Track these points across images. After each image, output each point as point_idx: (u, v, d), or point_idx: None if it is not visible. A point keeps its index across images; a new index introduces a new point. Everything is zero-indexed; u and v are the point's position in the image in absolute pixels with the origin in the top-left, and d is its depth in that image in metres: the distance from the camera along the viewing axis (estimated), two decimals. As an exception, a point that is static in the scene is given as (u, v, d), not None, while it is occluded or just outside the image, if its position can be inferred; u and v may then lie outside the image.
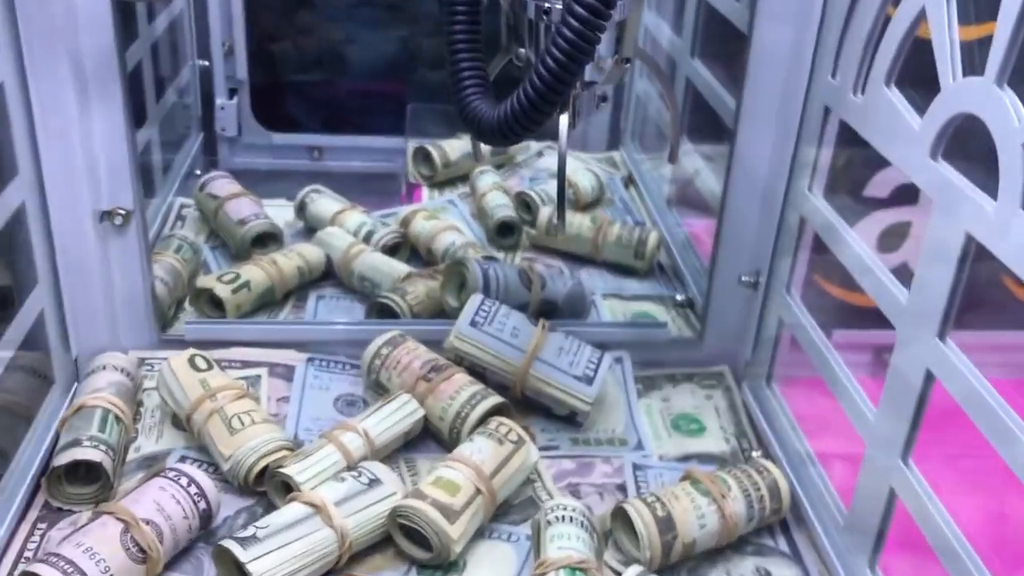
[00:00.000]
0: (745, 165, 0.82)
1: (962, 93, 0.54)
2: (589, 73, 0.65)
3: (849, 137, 0.73)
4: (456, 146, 1.24)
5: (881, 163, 0.85)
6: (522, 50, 0.67)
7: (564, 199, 0.71)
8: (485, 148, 1.26)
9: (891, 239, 0.86)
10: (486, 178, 1.17)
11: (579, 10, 0.56)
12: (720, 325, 0.90)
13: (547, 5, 0.63)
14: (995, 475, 0.59)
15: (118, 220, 0.79)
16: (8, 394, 0.69)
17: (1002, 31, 0.49)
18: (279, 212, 1.10)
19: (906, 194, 0.87)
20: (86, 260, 0.79)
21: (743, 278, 0.85)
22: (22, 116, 0.70)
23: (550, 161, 1.31)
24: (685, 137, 1.12)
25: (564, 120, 0.65)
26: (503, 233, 1.10)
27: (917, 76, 0.61)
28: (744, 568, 0.70)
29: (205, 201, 1.07)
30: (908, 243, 0.86)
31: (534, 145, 1.33)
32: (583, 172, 1.20)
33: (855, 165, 0.82)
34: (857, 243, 0.67)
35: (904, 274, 0.87)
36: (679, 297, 1.01)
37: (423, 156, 1.24)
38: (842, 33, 0.68)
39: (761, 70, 0.77)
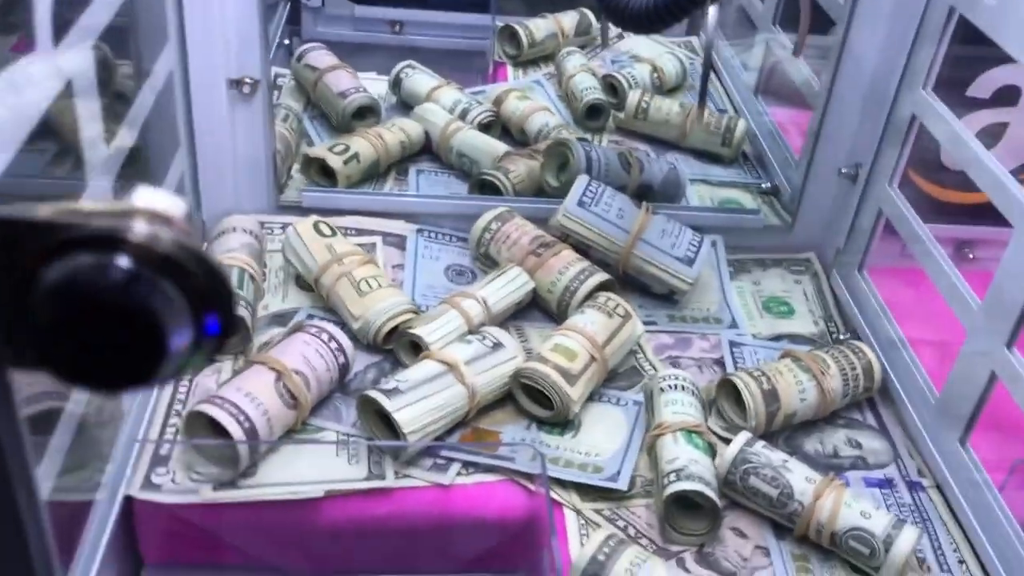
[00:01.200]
0: (855, 59, 0.84)
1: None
2: None
3: (963, 36, 0.75)
4: (541, 25, 1.25)
5: (987, 64, 0.87)
6: None
7: (706, 88, 0.74)
8: (568, 27, 1.27)
9: (989, 139, 0.89)
10: (573, 59, 1.18)
11: None
12: (811, 214, 0.94)
13: None
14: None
15: (246, 89, 0.82)
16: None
17: None
18: (372, 85, 1.12)
19: (1007, 95, 0.89)
20: (218, 126, 0.83)
21: (843, 170, 0.88)
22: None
23: (630, 43, 1.31)
24: (777, 26, 1.13)
25: (713, 9, 0.67)
26: (591, 116, 1.12)
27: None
28: (837, 438, 0.76)
29: (303, 72, 1.10)
30: (1003, 143, 0.89)
31: (613, 27, 1.33)
32: (667, 56, 1.22)
33: (963, 65, 0.84)
34: (977, 145, 0.70)
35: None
36: (764, 185, 1.04)
37: (509, 35, 1.25)
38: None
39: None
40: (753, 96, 1.16)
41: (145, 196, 0.30)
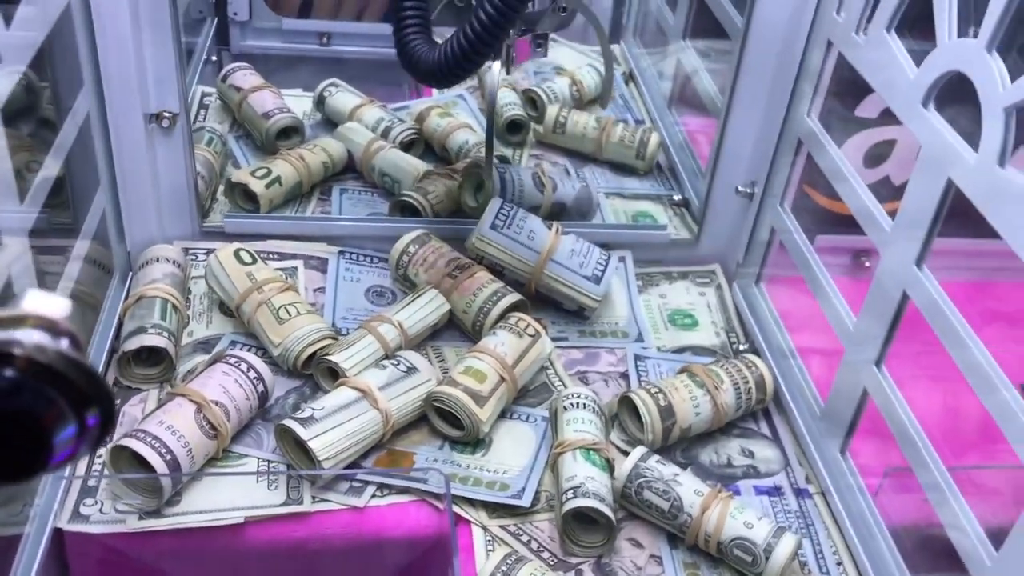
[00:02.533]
0: (749, 82, 0.88)
1: (956, 52, 0.61)
2: (527, 21, 0.72)
3: (845, 63, 0.80)
4: (464, 39, 1.28)
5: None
6: None
7: (492, 149, 0.79)
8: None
9: (877, 155, 0.94)
10: (494, 74, 1.22)
11: None
12: (715, 228, 0.99)
13: None
14: (950, 370, 0.69)
15: (165, 123, 0.85)
16: (80, 285, 0.77)
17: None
18: (297, 103, 1.15)
19: (893, 114, 0.94)
20: (138, 160, 0.85)
21: (740, 188, 0.93)
22: (84, 31, 0.75)
23: (554, 54, 1.35)
24: (686, 41, 1.18)
25: (496, 67, 0.72)
26: (512, 130, 1.16)
27: (916, 23, 0.68)
28: (731, 448, 0.81)
29: (228, 92, 1.12)
30: (891, 160, 0.94)
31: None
32: (586, 69, 1.26)
33: (849, 88, 0.89)
34: (853, 177, 0.75)
35: (886, 187, 0.96)
36: (676, 197, 1.09)
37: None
38: (849, -28, 0.74)
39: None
40: (667, 108, 1.21)
41: (33, 300, 0.33)
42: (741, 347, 0.91)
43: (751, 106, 0.90)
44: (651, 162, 1.13)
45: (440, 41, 0.75)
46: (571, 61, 1.33)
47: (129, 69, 0.80)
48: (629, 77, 1.33)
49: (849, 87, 0.89)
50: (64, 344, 0.32)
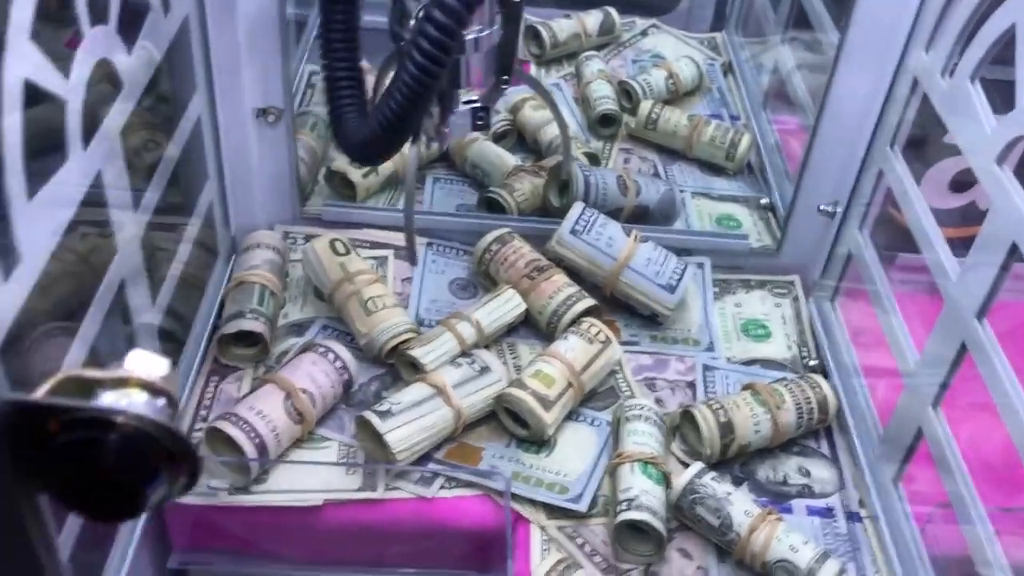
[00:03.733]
0: (836, 106, 0.88)
1: (1033, 114, 0.61)
2: (465, 95, 0.70)
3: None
4: (565, 26, 1.30)
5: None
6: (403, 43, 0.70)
7: (412, 224, 0.77)
8: (591, 27, 1.32)
9: (963, 181, 0.94)
10: (592, 65, 1.24)
11: (422, 46, 0.59)
12: (798, 239, 0.99)
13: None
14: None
15: (271, 118, 0.91)
16: (189, 267, 0.83)
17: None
18: (399, 86, 1.19)
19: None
20: (244, 151, 0.91)
21: (822, 207, 0.94)
22: (200, 42, 0.80)
23: (654, 40, 1.36)
24: (785, 38, 1.17)
25: (412, 152, 0.73)
26: (604, 123, 1.18)
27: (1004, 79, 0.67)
28: (788, 466, 0.84)
29: (334, 75, 1.17)
30: (976, 188, 0.93)
31: (639, 23, 1.38)
32: (684, 61, 1.26)
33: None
34: (920, 205, 0.75)
35: (970, 212, 0.95)
36: (763, 201, 1.10)
37: (533, 34, 1.30)
38: (942, 11, 0.74)
39: (862, 27, 0.83)
40: (762, 106, 1.21)
41: (136, 360, 0.39)
42: (811, 362, 0.92)
43: (840, 124, 0.90)
44: (741, 163, 1.14)
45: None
46: (672, 50, 1.33)
47: (238, 69, 0.86)
48: (728, 68, 1.33)
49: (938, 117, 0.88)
50: (161, 404, 0.38)
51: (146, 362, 0.40)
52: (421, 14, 0.61)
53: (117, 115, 0.62)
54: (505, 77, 0.71)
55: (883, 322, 0.81)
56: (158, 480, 0.37)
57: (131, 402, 0.37)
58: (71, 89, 0.53)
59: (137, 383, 0.38)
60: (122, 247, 0.67)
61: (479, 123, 0.73)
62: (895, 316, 0.79)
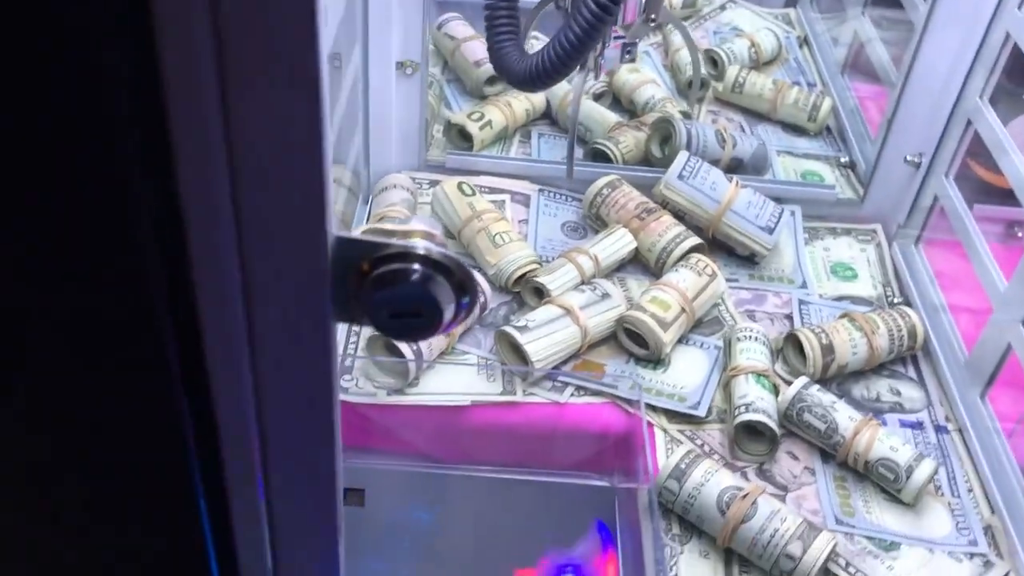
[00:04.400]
0: (926, 62, 0.97)
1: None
2: (617, 31, 0.81)
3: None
4: (652, -2, 1.39)
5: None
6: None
7: (574, 146, 0.88)
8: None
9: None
10: (679, 34, 1.32)
11: None
12: (880, 191, 1.08)
13: None
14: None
15: (408, 71, 1.00)
16: (338, 206, 0.93)
17: None
18: (500, 52, 1.29)
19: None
20: (386, 101, 1.01)
21: (908, 157, 1.02)
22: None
23: (732, 14, 1.45)
24: (865, 10, 1.25)
25: (580, 79, 0.83)
26: (693, 85, 1.27)
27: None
28: (880, 386, 0.92)
29: (443, 40, 1.27)
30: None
31: (718, -1, 1.47)
32: (765, 32, 1.35)
33: (1016, 73, 0.96)
34: (1013, 150, 0.84)
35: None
36: (843, 159, 1.18)
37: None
38: (1035, -29, 0.82)
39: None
40: (840, 74, 1.29)
41: (416, 222, 0.49)
42: (896, 300, 1.01)
43: (927, 81, 0.98)
44: (822, 125, 1.22)
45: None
46: (750, 23, 1.42)
47: (388, 23, 0.95)
48: (804, 41, 1.41)
49: (1019, 70, 0.97)
50: (447, 251, 0.47)
51: (424, 222, 0.49)
52: None
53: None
54: (653, 16, 0.81)
55: (972, 257, 0.89)
56: (450, 305, 0.46)
57: (424, 244, 0.47)
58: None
59: (421, 234, 0.48)
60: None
61: (627, 56, 0.82)
62: (984, 250, 0.88)
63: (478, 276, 0.92)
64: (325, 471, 0.54)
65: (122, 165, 0.37)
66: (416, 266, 0.47)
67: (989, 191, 1.07)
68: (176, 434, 0.47)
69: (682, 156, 1.03)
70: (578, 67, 0.81)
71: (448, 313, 0.47)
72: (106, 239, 0.39)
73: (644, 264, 1.02)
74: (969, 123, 0.92)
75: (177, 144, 0.37)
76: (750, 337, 0.90)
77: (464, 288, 0.48)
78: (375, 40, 0.95)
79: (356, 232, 0.47)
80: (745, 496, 0.74)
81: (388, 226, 0.49)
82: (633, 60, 0.86)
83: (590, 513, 0.92)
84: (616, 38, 0.84)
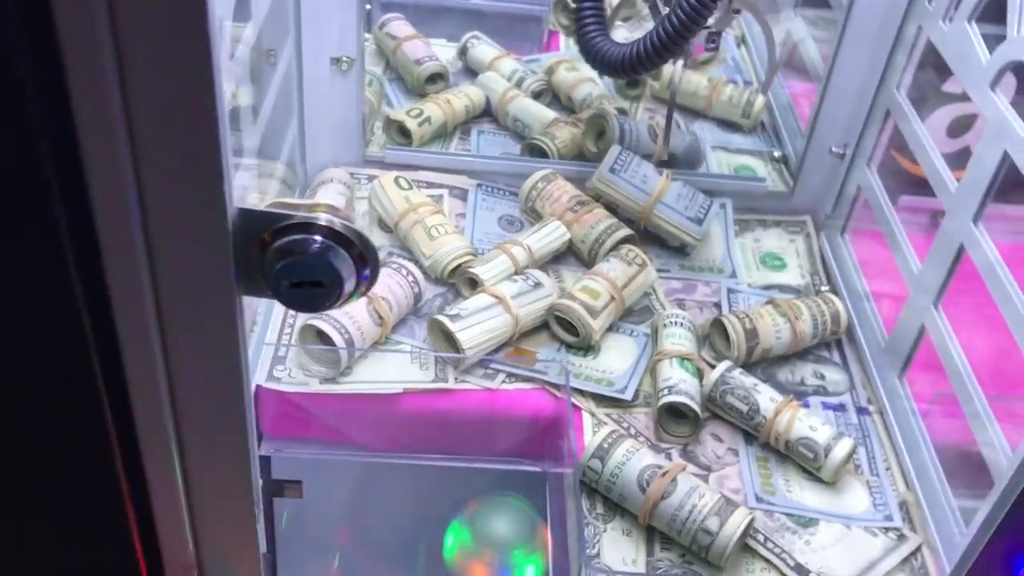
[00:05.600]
0: (848, 56, 1.00)
1: (1021, 44, 0.72)
2: None
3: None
4: (592, -1, 1.42)
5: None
6: None
7: (671, 127, 0.91)
8: None
9: (959, 127, 1.05)
10: (617, 35, 1.35)
11: None
12: (809, 183, 1.11)
13: None
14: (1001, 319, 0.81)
15: (344, 66, 1.02)
16: (272, 199, 0.94)
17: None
18: (441, 52, 1.31)
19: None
20: (321, 96, 1.02)
21: (833, 149, 1.05)
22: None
23: (672, 16, 1.48)
24: (796, 10, 1.29)
25: (679, 67, 0.85)
26: (630, 85, 1.29)
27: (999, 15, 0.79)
28: (805, 370, 0.95)
29: (384, 39, 1.28)
30: (972, 132, 1.05)
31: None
32: (702, 32, 1.37)
33: (939, 66, 1.00)
34: (927, 141, 0.87)
35: (964, 156, 1.07)
36: (776, 153, 1.21)
37: (563, 6, 1.41)
38: (943, -33, 0.85)
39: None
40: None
41: (322, 194, 0.50)
42: (823, 288, 1.04)
43: (849, 75, 1.01)
44: (755, 121, 1.25)
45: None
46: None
47: (322, 19, 0.97)
48: (741, 41, 1.44)
49: (939, 65, 1.00)
50: (349, 223, 0.49)
51: (329, 197, 0.51)
52: None
53: (247, 41, 0.73)
54: (736, 6, 0.88)
55: (891, 244, 0.92)
56: (350, 276, 0.48)
57: (327, 216, 0.48)
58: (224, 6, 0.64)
59: (325, 208, 0.49)
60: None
61: (712, 46, 0.89)
62: (900, 234, 0.91)
63: (412, 267, 0.94)
64: (240, 442, 0.55)
65: (27, 136, 0.38)
66: (317, 237, 0.48)
67: (915, 182, 1.11)
68: (92, 405, 0.48)
69: (614, 150, 1.05)
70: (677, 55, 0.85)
71: (348, 283, 0.49)
72: (14, 212, 0.40)
73: (578, 255, 1.04)
74: (888, 115, 0.96)
75: (80, 121, 0.38)
76: (676, 323, 0.92)
77: (365, 259, 0.49)
78: (308, 36, 0.96)
79: (260, 205, 0.49)
80: (665, 473, 0.76)
81: (293, 200, 0.51)
82: (717, 49, 0.90)
83: (521, 497, 0.94)
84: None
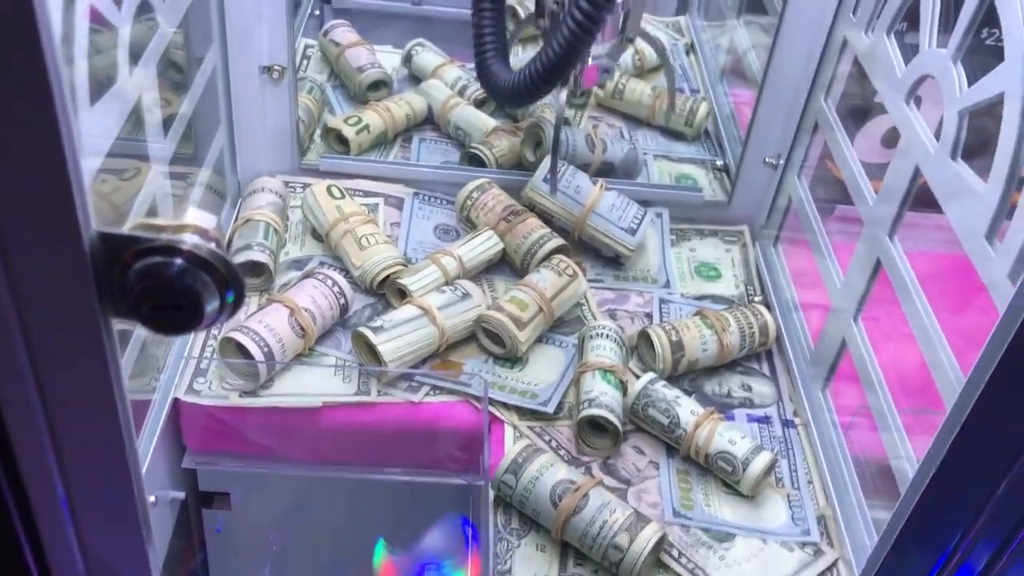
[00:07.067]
0: (779, 68, 1.00)
1: (930, 58, 0.72)
2: (594, 51, 0.83)
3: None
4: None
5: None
6: (541, 21, 0.83)
7: (557, 160, 0.89)
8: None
9: (893, 138, 1.05)
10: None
11: (582, 7, 0.70)
12: (746, 193, 1.11)
13: None
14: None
15: (275, 75, 1.01)
16: (200, 207, 0.93)
17: (963, 17, 0.68)
18: (387, 59, 1.30)
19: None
20: (251, 105, 1.01)
21: (767, 159, 1.05)
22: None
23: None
24: (740, 19, 1.29)
25: (562, 96, 0.83)
26: (576, 94, 1.29)
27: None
28: (732, 382, 0.95)
29: (328, 46, 1.28)
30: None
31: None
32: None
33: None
34: (848, 151, 0.87)
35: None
36: (718, 163, 1.21)
37: (511, 12, 1.41)
38: (865, -20, 0.85)
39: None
40: (719, 80, 1.32)
41: (191, 215, 0.49)
42: (756, 299, 1.03)
43: (782, 84, 1.01)
44: (699, 129, 1.25)
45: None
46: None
47: (250, 28, 0.96)
48: (690, 48, 1.44)
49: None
50: (213, 246, 0.48)
51: (200, 215, 0.50)
52: None
53: (156, 46, 0.72)
54: (629, 36, 0.82)
55: (815, 255, 0.92)
56: (212, 298, 0.47)
57: (192, 239, 0.48)
58: (122, 18, 0.64)
59: (193, 228, 0.49)
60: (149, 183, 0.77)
61: (605, 75, 0.84)
62: (825, 245, 0.91)
63: (339, 278, 0.93)
64: (119, 464, 0.54)
65: None
66: (177, 260, 0.47)
67: (847, 192, 1.11)
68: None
69: (546, 162, 1.05)
70: (559, 84, 0.82)
71: (211, 306, 0.48)
72: None
73: (511, 266, 1.04)
74: (816, 125, 0.95)
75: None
76: (602, 335, 0.92)
77: (228, 283, 0.48)
78: (235, 44, 0.96)
79: (123, 228, 0.48)
80: (577, 489, 0.76)
81: (160, 221, 0.50)
82: (610, 78, 0.89)
83: (448, 511, 0.94)
84: (593, 58, 0.84)
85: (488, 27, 0.84)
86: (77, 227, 0.44)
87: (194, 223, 0.49)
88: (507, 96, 0.81)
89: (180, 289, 0.46)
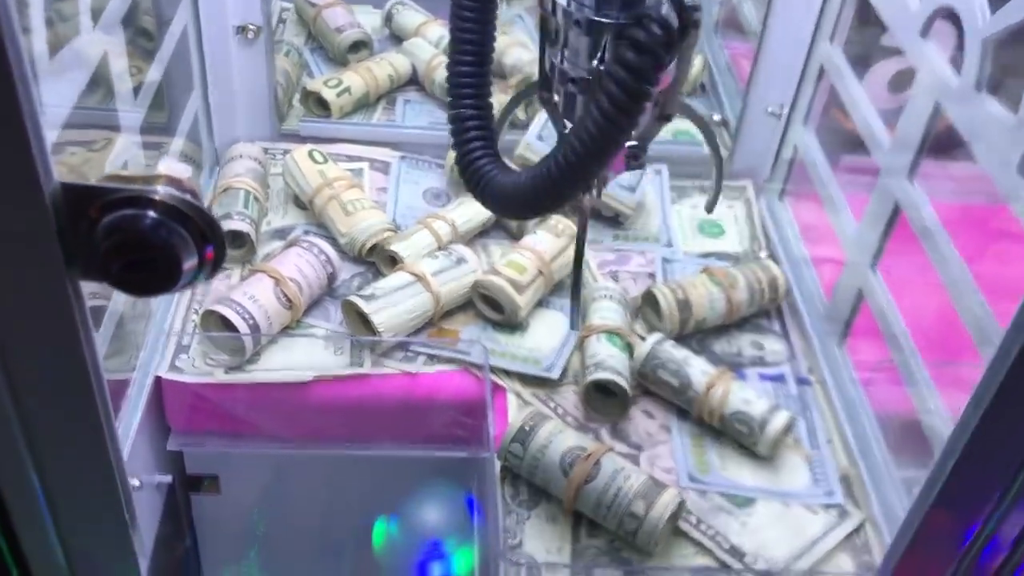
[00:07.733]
0: (781, 13, 0.95)
1: (951, -14, 0.68)
2: None
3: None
4: (524, -39, 1.36)
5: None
6: (548, 95, 0.62)
7: (579, 287, 0.69)
8: None
9: (900, 82, 1.01)
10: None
11: (625, 80, 0.49)
12: (748, 147, 1.06)
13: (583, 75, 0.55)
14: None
15: (250, 35, 0.95)
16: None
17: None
18: (367, 19, 1.24)
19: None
20: (226, 67, 0.96)
21: (769, 109, 1.00)
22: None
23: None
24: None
25: (586, 200, 0.63)
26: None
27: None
28: (742, 341, 0.91)
29: (304, 7, 1.22)
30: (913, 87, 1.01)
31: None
32: None
33: (876, 19, 0.95)
34: (860, 96, 0.82)
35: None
36: (716, 117, 1.16)
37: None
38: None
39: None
40: (714, 32, 1.27)
41: (164, 164, 0.45)
42: (762, 254, 0.99)
43: (783, 31, 0.96)
44: (694, 83, 1.20)
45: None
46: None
47: (221, -17, 0.90)
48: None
49: (876, 18, 0.95)
50: (188, 197, 0.43)
51: (173, 166, 0.45)
52: (616, 44, 0.51)
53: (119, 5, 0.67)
54: (668, 114, 0.61)
55: (827, 206, 0.88)
56: (190, 254, 0.42)
57: (165, 189, 0.43)
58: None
59: (166, 179, 0.44)
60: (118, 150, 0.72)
61: (635, 160, 0.62)
62: (836, 195, 0.86)
63: (325, 246, 0.88)
64: (97, 444, 0.50)
65: None
66: (149, 212, 0.42)
67: (857, 141, 1.06)
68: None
69: (540, 117, 1.00)
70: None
71: (187, 263, 0.43)
72: None
73: (506, 229, 0.99)
74: (823, 70, 0.91)
75: None
76: (605, 296, 0.87)
77: (206, 236, 0.44)
78: (206, 2, 0.90)
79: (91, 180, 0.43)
80: (588, 456, 0.72)
81: (129, 172, 0.45)
82: (642, 167, 0.63)
83: (450, 486, 0.89)
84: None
85: (470, 106, 0.60)
86: (36, 177, 0.39)
87: (167, 173, 0.44)
88: (511, 206, 0.59)
89: (154, 243, 0.41)
